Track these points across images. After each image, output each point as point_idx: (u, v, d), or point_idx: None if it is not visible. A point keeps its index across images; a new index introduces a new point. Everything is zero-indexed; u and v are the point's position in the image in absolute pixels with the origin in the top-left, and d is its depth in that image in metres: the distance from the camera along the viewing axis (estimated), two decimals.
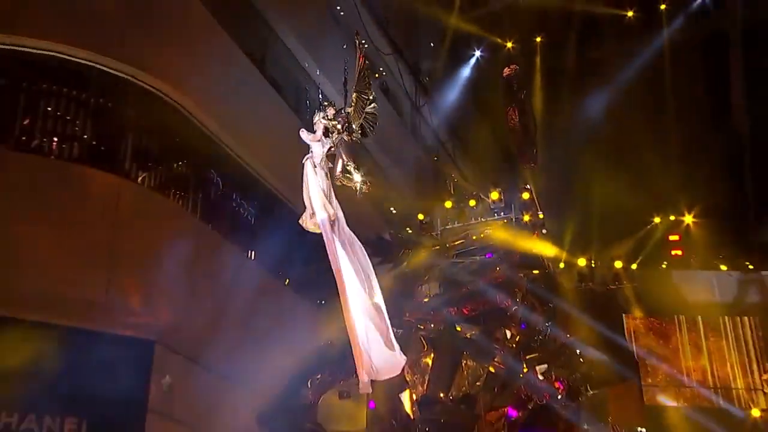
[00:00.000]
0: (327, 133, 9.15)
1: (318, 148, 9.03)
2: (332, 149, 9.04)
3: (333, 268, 9.01)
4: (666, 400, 17.62)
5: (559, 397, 11.95)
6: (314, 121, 9.25)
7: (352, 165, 9.24)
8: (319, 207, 8.95)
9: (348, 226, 9.28)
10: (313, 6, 21.01)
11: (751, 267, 19.74)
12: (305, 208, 9.10)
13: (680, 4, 24.01)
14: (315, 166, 9.03)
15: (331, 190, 9.07)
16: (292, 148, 9.61)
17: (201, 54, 16.88)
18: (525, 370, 12.18)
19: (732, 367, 18.50)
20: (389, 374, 9.52)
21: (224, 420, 14.33)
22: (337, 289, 9.05)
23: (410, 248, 13.15)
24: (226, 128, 17.25)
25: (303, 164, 9.11)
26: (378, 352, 9.08)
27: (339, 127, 9.17)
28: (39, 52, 14.94)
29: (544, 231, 14.49)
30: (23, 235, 13.54)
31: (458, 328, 12.72)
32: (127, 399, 14.05)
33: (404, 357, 9.53)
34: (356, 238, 9.31)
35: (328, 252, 9.05)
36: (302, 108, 18.54)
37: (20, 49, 14.73)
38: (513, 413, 12.04)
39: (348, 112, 9.29)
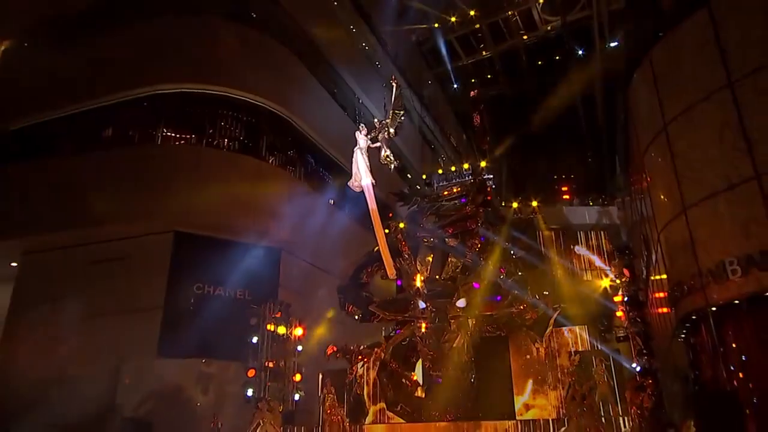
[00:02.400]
0: (370, 133, 8.03)
1: (363, 142, 7.98)
2: (377, 143, 7.79)
3: (370, 209, 7.82)
4: (561, 278, 16.10)
5: (501, 277, 10.59)
6: (359, 128, 7.95)
7: (390, 153, 7.99)
8: (364, 176, 7.70)
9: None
10: (363, 63, 20.12)
11: (605, 204, 18.14)
12: (353, 176, 7.83)
13: (567, 57, 21.49)
14: (361, 153, 7.74)
15: (369, 166, 7.81)
16: (351, 142, 8.44)
17: (302, 92, 15.95)
18: (482, 262, 10.75)
19: (594, 258, 16.92)
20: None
21: (319, 291, 13.60)
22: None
23: (419, 196, 11.78)
24: (316, 132, 16.77)
25: (354, 151, 7.80)
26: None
27: (379, 130, 7.89)
28: (219, 93, 14.30)
29: (494, 185, 12.92)
30: (233, 192, 12.52)
31: (446, 240, 11.31)
32: (269, 280, 14.01)
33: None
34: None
35: (368, 201, 7.85)
36: (356, 120, 17.16)
37: (208, 91, 14.22)
38: (476, 285, 10.74)
39: (386, 122, 8.01)
